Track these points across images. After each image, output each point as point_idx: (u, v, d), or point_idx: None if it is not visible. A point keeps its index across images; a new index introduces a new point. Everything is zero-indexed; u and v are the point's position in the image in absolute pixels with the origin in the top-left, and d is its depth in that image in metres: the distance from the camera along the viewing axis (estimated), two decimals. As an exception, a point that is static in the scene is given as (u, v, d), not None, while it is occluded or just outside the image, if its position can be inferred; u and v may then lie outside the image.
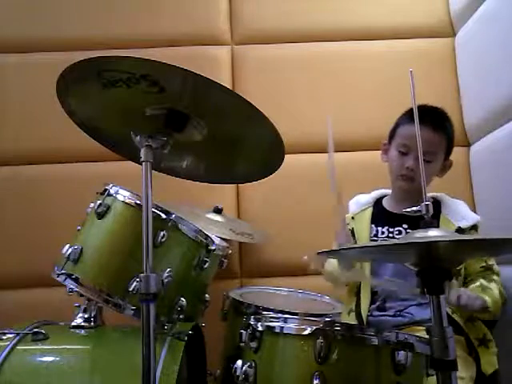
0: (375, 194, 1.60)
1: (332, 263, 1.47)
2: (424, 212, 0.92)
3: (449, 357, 0.85)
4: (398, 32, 2.11)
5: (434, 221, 0.91)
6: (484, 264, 1.39)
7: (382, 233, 1.48)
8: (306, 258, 1.33)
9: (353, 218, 1.55)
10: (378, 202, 1.57)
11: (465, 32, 2.02)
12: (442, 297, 0.88)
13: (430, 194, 1.51)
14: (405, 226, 1.45)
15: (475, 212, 1.88)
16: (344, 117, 2.02)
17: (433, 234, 0.88)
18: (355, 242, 1.48)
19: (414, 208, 0.96)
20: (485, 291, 1.33)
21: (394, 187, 1.54)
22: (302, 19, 2.13)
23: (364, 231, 1.50)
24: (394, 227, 1.47)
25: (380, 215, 1.53)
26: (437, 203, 1.47)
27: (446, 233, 0.92)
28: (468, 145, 2.00)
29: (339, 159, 1.97)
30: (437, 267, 0.89)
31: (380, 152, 1.58)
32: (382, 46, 2.11)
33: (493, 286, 1.35)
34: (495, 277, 1.39)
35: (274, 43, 2.12)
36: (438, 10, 2.13)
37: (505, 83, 1.68)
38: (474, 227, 1.42)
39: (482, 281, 1.36)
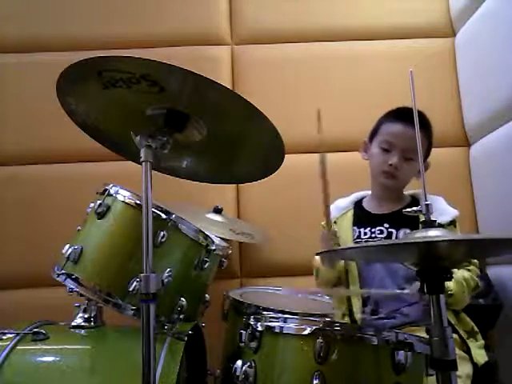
0: (354, 196, 1.60)
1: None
2: (424, 212, 0.92)
3: (449, 357, 0.85)
4: (398, 32, 2.11)
5: (434, 221, 0.91)
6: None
7: (365, 234, 1.48)
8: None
9: (335, 222, 1.55)
10: (358, 204, 1.57)
11: (465, 32, 2.02)
12: (441, 296, 0.88)
13: (408, 192, 1.51)
14: (386, 225, 1.46)
15: (474, 212, 1.90)
16: (344, 117, 2.02)
17: (433, 233, 0.88)
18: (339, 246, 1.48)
19: (415, 208, 0.96)
20: None
21: (374, 185, 1.54)
22: (302, 19, 2.13)
23: (347, 234, 1.50)
24: (375, 227, 1.47)
25: (361, 217, 1.53)
26: (416, 201, 1.48)
27: (446, 233, 0.92)
28: (468, 145, 2.00)
29: (339, 159, 1.99)
30: (437, 267, 0.89)
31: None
32: (382, 45, 2.11)
33: (460, 271, 1.33)
34: (471, 266, 1.37)
35: (274, 43, 2.12)
36: (438, 10, 2.14)
37: (505, 83, 1.68)
38: (453, 222, 1.42)
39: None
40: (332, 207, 1.60)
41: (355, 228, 1.51)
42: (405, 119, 1.40)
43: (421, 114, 1.47)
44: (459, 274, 1.33)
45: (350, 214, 1.55)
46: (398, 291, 1.30)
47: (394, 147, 1.44)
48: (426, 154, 1.49)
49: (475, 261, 1.40)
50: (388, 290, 1.35)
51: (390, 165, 1.43)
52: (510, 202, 1.64)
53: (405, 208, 0.98)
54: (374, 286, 1.43)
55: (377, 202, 1.53)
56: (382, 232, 1.46)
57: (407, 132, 1.39)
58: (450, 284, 1.27)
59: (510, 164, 1.65)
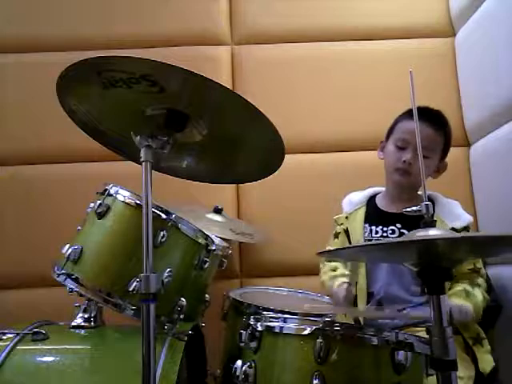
0: (368, 192, 1.60)
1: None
2: (424, 212, 0.92)
3: (449, 357, 0.85)
4: (398, 32, 2.11)
5: (434, 221, 0.91)
6: (472, 267, 1.37)
7: (376, 232, 1.48)
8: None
9: (346, 217, 1.55)
10: (370, 201, 1.57)
11: (465, 32, 2.02)
12: (441, 297, 0.88)
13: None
14: (398, 225, 1.45)
15: (474, 212, 1.90)
16: (344, 117, 2.02)
17: (433, 233, 0.88)
18: (350, 243, 1.48)
19: (414, 208, 0.96)
20: (469, 298, 1.30)
21: (388, 183, 1.54)
22: (302, 19, 2.13)
23: (358, 231, 1.50)
24: (387, 226, 1.46)
25: (373, 214, 1.52)
26: (431, 202, 1.47)
27: (446, 232, 0.92)
28: (468, 145, 2.00)
29: (339, 159, 1.99)
30: (437, 267, 0.89)
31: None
32: (382, 45, 2.11)
33: (476, 291, 1.33)
34: (480, 280, 1.37)
35: (274, 43, 2.12)
36: (438, 10, 2.14)
37: (505, 83, 1.68)
38: (466, 228, 1.42)
39: (466, 285, 1.34)
40: (345, 201, 1.60)
41: (366, 225, 1.50)
42: (421, 117, 1.40)
43: (438, 113, 1.47)
44: (479, 297, 1.32)
45: (363, 210, 1.54)
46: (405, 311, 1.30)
47: (408, 144, 1.44)
48: (443, 154, 1.48)
49: (484, 271, 1.39)
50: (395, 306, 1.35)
51: (404, 161, 1.43)
52: (510, 202, 1.64)
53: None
54: (382, 287, 1.43)
55: (390, 201, 1.52)
56: (393, 232, 1.45)
57: (423, 131, 1.38)
58: (470, 309, 1.27)
59: (510, 164, 1.65)
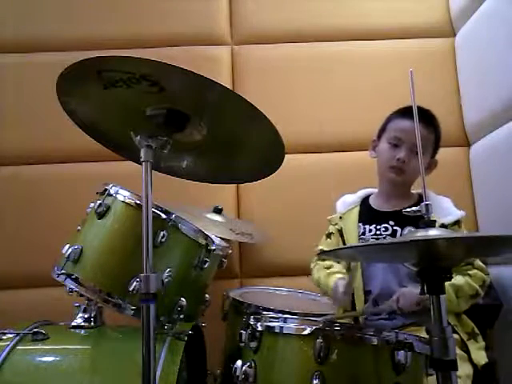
0: (361, 193, 1.60)
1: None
2: (424, 212, 0.92)
3: (449, 356, 0.85)
4: (398, 32, 2.12)
5: (434, 221, 0.91)
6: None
7: (370, 231, 1.48)
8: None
9: (340, 217, 1.55)
10: (364, 201, 1.58)
11: (465, 32, 2.02)
12: (441, 297, 0.88)
13: (417, 191, 1.51)
14: (391, 222, 1.45)
15: (474, 212, 1.90)
16: (344, 117, 2.02)
17: (433, 233, 0.88)
18: (343, 243, 1.48)
19: (414, 208, 0.96)
20: None
21: (381, 182, 1.54)
22: (302, 19, 2.13)
23: (352, 230, 1.50)
24: (380, 224, 1.47)
25: (367, 213, 1.53)
26: (422, 200, 1.47)
27: (446, 232, 0.92)
28: (468, 145, 2.00)
29: (339, 159, 1.99)
30: (436, 267, 0.89)
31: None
32: (382, 45, 2.11)
33: (458, 278, 1.30)
34: (473, 271, 1.34)
35: (274, 43, 2.12)
36: (438, 10, 2.14)
37: (505, 83, 1.68)
38: (457, 223, 1.41)
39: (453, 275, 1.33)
40: (339, 202, 1.60)
41: (360, 224, 1.51)
42: (412, 116, 1.40)
43: (428, 111, 1.48)
44: (452, 280, 1.30)
45: (356, 210, 1.55)
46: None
47: (402, 142, 1.44)
48: (434, 151, 1.49)
49: (481, 265, 1.38)
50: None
51: (398, 159, 1.43)
52: (510, 202, 1.64)
53: (412, 206, 0.97)
54: (378, 284, 1.43)
55: (383, 199, 1.53)
56: (386, 229, 1.46)
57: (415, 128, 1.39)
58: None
59: (510, 164, 1.65)
